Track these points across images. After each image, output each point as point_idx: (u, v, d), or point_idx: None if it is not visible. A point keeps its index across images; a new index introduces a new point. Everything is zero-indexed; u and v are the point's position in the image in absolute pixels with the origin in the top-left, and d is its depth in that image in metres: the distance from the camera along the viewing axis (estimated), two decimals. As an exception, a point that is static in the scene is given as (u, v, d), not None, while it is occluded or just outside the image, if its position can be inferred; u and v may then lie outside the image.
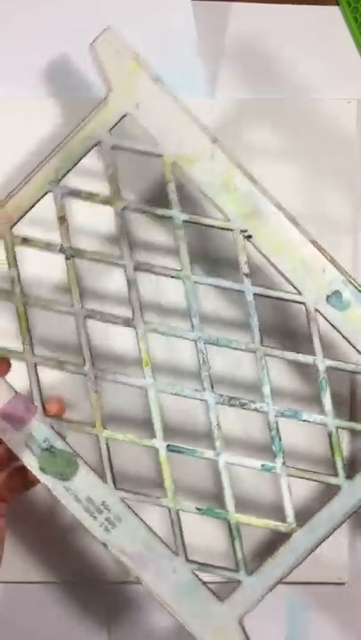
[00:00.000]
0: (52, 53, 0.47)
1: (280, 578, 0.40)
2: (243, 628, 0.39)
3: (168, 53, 0.46)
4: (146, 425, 0.41)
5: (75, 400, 0.46)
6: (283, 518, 0.40)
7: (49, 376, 0.42)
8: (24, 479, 0.42)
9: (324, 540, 0.40)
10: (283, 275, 0.40)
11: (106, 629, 0.48)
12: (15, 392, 0.40)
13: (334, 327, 0.40)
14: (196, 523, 0.41)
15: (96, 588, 0.48)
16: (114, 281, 0.47)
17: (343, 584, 0.48)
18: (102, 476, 0.40)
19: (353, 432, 0.47)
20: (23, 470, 0.40)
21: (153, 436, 0.40)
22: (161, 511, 0.40)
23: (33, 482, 0.41)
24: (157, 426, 0.40)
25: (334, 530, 0.40)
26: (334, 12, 0.48)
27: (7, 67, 0.47)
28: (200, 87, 0.47)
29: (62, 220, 0.40)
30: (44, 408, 0.40)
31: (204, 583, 0.40)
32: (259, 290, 0.40)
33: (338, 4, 0.48)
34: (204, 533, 0.46)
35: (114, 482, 0.40)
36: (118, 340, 0.47)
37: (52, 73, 0.47)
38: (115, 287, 0.47)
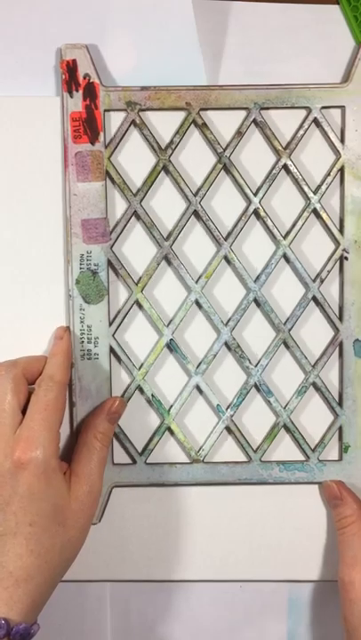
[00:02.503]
0: (51, 53, 0.47)
1: (150, 483, 0.47)
2: (110, 495, 0.47)
3: (168, 52, 0.47)
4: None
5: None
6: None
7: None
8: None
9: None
10: (340, 298, 0.47)
11: (107, 629, 0.50)
12: (106, 217, 0.46)
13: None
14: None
15: (97, 588, 0.50)
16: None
17: None
18: (110, 323, 0.47)
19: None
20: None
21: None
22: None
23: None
24: (177, 321, 0.47)
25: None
26: (334, 11, 0.48)
27: (7, 66, 0.47)
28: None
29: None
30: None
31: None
32: (319, 296, 0.47)
33: (338, 4, 0.48)
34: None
35: (115, 331, 0.47)
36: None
37: (52, 72, 0.47)
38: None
